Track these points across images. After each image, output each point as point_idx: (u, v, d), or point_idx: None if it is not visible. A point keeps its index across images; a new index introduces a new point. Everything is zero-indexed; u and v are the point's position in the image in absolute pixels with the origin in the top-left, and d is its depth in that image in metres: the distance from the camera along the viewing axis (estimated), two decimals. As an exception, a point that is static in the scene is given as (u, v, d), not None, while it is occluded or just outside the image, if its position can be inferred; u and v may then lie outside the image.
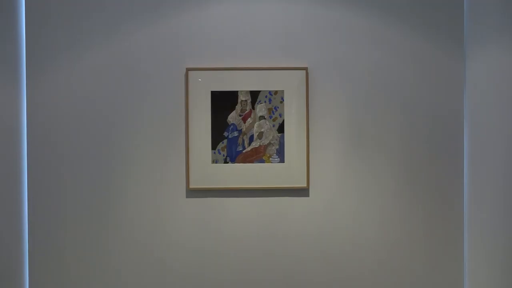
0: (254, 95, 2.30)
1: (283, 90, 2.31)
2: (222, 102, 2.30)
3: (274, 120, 2.31)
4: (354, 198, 2.32)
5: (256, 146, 2.30)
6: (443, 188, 2.31)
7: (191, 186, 2.29)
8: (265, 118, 2.30)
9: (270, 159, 2.30)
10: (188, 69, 2.29)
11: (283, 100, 2.31)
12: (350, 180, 2.32)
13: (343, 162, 2.32)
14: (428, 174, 2.32)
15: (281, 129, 2.30)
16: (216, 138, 2.30)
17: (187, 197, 2.31)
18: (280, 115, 2.31)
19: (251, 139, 2.30)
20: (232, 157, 2.30)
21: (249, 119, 2.31)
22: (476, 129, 1.76)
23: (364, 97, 2.32)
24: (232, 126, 2.30)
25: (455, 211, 2.30)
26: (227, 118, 2.30)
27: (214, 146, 2.30)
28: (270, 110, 2.31)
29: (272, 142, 2.30)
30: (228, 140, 2.30)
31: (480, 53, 1.74)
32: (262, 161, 2.30)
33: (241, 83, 2.31)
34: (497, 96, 1.70)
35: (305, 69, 2.30)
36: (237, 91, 2.30)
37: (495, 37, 1.68)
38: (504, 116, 1.66)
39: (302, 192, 2.32)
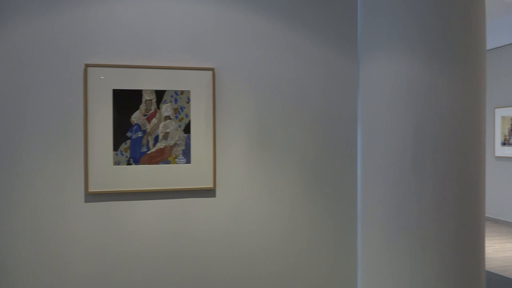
0: (160, 94, 2.24)
1: (190, 90, 2.28)
2: (125, 101, 2.20)
3: (180, 121, 2.27)
4: (260, 197, 2.37)
5: (162, 147, 2.24)
6: (341, 186, 2.48)
7: (90, 190, 2.15)
8: (170, 118, 2.26)
9: (176, 160, 2.26)
10: (87, 65, 2.15)
11: (190, 100, 2.28)
12: (257, 179, 2.36)
13: (250, 162, 2.36)
14: (328, 172, 2.46)
15: (187, 129, 2.27)
16: (119, 139, 2.19)
17: (86, 201, 2.16)
18: (187, 116, 2.28)
19: (156, 139, 2.24)
20: (136, 158, 2.21)
21: (154, 119, 2.24)
22: (368, 129, 1.91)
23: (270, 98, 2.39)
24: (136, 126, 2.22)
25: (351, 210, 2.48)
26: (130, 117, 2.21)
27: (116, 147, 2.19)
28: (176, 110, 2.27)
29: (178, 142, 2.26)
30: (131, 140, 2.21)
31: (372, 57, 1.89)
32: (168, 162, 2.25)
33: (146, 82, 2.23)
34: (387, 98, 1.85)
35: (212, 70, 2.30)
36: (141, 90, 2.22)
37: (385, 42, 1.83)
38: (393, 118, 1.82)
39: (209, 192, 2.31)
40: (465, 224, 1.77)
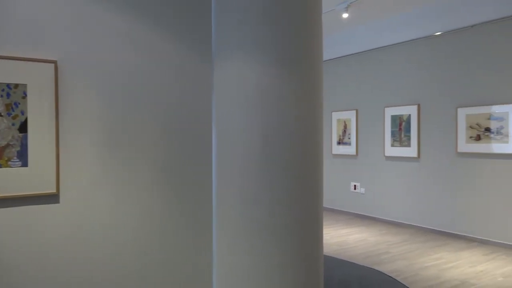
0: (-13, 87, 1.92)
1: (26, 84, 2.01)
2: None
3: (14, 118, 1.98)
4: (111, 200, 2.23)
5: (-10, 148, 1.93)
6: (196, 186, 2.50)
7: None
8: (1, 116, 1.96)
9: (9, 163, 1.97)
10: None
11: (26, 95, 2.01)
12: (107, 182, 2.22)
13: (99, 163, 2.20)
14: (183, 173, 2.46)
15: (23, 128, 2.00)
16: None
17: None
18: (22, 113, 2.01)
19: (-18, 139, 1.91)
20: (-46, 162, 1.86)
21: (-21, 115, 1.91)
22: (222, 129, 1.97)
23: (122, 96, 2.27)
24: (-47, 124, 1.86)
25: (205, 207, 2.52)
26: None
27: None
28: (8, 106, 1.97)
29: (11, 143, 1.97)
30: None
31: (225, 58, 1.95)
32: (-2, 166, 1.95)
33: (-32, 72, 1.89)
34: (239, 99, 1.94)
35: (54, 62, 2.07)
36: (-39, 81, 1.87)
37: (238, 45, 1.91)
38: (245, 118, 1.91)
39: (52, 198, 2.08)
40: (308, 214, 1.98)
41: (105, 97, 2.22)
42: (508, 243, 5.14)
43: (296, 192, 1.95)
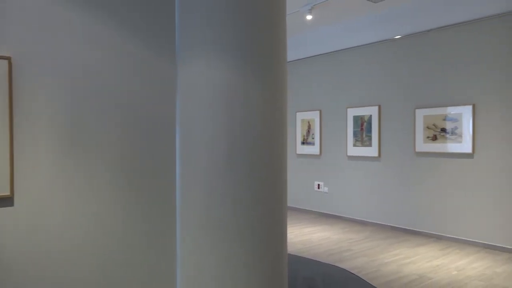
0: None
1: (-23, 81, 1.91)
2: None
3: (-37, 117, 1.88)
4: (67, 201, 2.16)
5: None
6: (158, 187, 2.46)
7: None
8: (-50, 114, 1.85)
9: (-42, 164, 1.86)
10: None
11: (-23, 93, 1.91)
12: (63, 182, 2.14)
13: (54, 163, 2.12)
14: (145, 173, 2.41)
15: (-26, 127, 1.90)
16: None
17: None
18: (-27, 111, 1.90)
19: None
20: None
21: None
22: (185, 130, 1.95)
23: (79, 95, 2.19)
24: None
25: (168, 209, 2.49)
26: None
27: None
28: (-43, 104, 1.86)
29: (-40, 143, 1.87)
30: None
31: (189, 59, 1.93)
32: None
33: None
34: (203, 100, 1.92)
35: (8, 58, 1.98)
36: None
37: (201, 45, 1.90)
38: (210, 119, 1.90)
39: (5, 201, 1.98)
40: (272, 214, 1.99)
41: (63, 96, 2.14)
42: (462, 238, 5.40)
43: (260, 192, 1.96)
